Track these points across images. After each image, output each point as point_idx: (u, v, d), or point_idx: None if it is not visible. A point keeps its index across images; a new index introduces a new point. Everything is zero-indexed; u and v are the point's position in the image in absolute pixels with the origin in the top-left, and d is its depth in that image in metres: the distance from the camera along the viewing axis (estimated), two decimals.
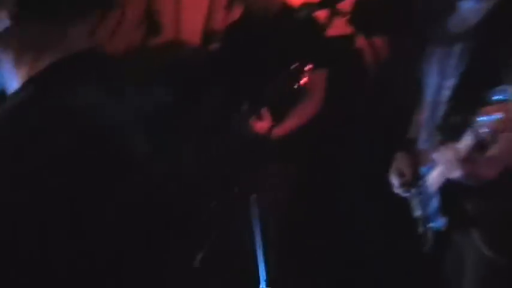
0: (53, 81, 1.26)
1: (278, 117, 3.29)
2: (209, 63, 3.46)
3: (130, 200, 1.25)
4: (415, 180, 2.57)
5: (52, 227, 1.16)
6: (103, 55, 1.35)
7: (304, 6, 3.41)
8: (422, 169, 2.53)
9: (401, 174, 2.60)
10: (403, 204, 2.64)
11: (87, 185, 1.19)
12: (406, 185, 2.59)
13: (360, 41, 3.94)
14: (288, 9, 3.43)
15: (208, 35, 3.98)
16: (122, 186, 1.25)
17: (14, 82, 1.29)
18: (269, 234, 3.10)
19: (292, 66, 3.13)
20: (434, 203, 2.48)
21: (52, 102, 1.22)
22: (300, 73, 3.10)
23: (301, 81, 3.10)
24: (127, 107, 1.32)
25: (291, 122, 3.40)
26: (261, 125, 3.22)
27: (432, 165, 2.45)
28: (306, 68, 3.09)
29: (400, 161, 2.61)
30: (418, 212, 2.60)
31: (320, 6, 3.35)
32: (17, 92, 1.27)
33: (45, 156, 1.17)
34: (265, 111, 3.23)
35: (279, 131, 3.31)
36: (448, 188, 2.39)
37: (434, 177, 2.45)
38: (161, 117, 1.38)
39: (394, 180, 2.63)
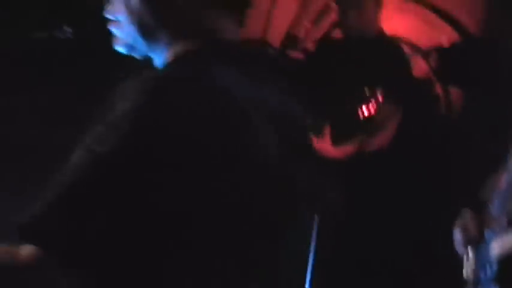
0: (200, 62, 1.36)
1: (338, 139, 3.29)
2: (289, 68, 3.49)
3: (247, 182, 1.32)
4: (479, 240, 2.50)
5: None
6: (245, 46, 1.46)
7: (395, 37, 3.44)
8: (488, 233, 2.47)
9: (466, 231, 2.54)
10: (456, 264, 2.58)
11: (218, 155, 1.28)
12: (471, 242, 2.52)
13: (437, 87, 3.94)
14: (382, 38, 3.43)
15: (291, 41, 4.02)
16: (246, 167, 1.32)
17: (162, 56, 1.41)
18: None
19: (364, 91, 3.14)
20: (491, 269, 2.41)
21: (200, 79, 1.31)
22: (369, 99, 3.10)
23: (370, 107, 3.10)
24: (260, 96, 1.39)
25: (352, 148, 3.38)
26: (321, 142, 3.23)
27: (498, 231, 2.39)
28: (378, 96, 3.09)
29: (467, 219, 2.55)
30: (468, 275, 2.53)
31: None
32: (171, 66, 1.38)
33: (193, 123, 1.26)
34: (327, 130, 3.23)
35: (337, 153, 3.30)
36: (509, 258, 2.33)
37: (498, 244, 2.38)
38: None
39: (458, 236, 2.56)
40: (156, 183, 1.24)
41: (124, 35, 1.46)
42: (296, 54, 3.73)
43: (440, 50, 3.78)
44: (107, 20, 1.47)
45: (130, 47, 1.47)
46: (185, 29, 1.41)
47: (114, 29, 1.47)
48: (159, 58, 1.45)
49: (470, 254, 2.52)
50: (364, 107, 3.15)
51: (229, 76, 1.36)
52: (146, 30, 1.43)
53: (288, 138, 1.42)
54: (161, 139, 1.25)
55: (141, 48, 1.46)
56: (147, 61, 1.49)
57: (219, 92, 1.33)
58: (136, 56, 1.49)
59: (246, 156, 1.33)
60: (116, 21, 1.46)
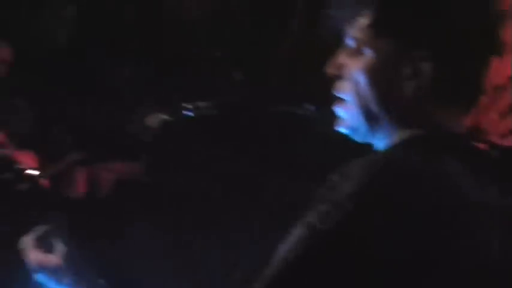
0: (425, 149, 1.38)
1: None
2: None
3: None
4: None
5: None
6: (467, 138, 1.47)
7: None
8: None
9: None
10: None
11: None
12: None
13: None
14: None
15: (477, 132, 4.05)
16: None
17: (383, 142, 1.47)
18: None
19: None
20: None
21: (426, 165, 1.34)
22: None
23: None
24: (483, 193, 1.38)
25: None
26: None
27: None
28: None
29: None
30: None
31: None
32: (395, 150, 1.42)
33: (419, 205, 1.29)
34: None
35: None
36: None
37: None
38: None
39: None
40: (370, 267, 1.26)
41: (348, 116, 1.51)
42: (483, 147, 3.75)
43: None
44: (333, 99, 1.53)
45: (352, 129, 1.52)
46: (410, 118, 1.44)
47: (339, 110, 1.52)
48: (380, 143, 1.49)
49: None
50: None
51: (455, 167, 1.36)
52: (370, 115, 1.47)
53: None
54: (384, 222, 1.27)
55: (363, 132, 1.50)
56: (368, 144, 1.54)
57: (445, 180, 1.33)
58: (357, 138, 1.53)
59: (466, 252, 1.33)
60: (342, 102, 1.51)
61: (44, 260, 1.62)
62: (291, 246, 1.28)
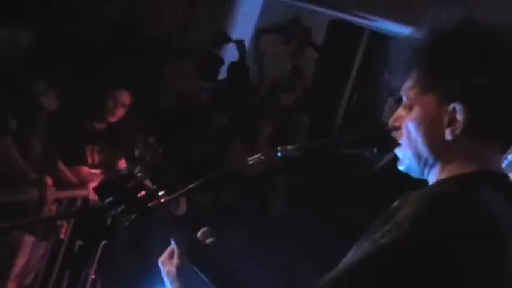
0: (471, 185, 1.37)
1: None
2: None
3: None
4: None
5: None
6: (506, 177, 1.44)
7: None
8: None
9: None
10: None
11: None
12: None
13: None
14: None
15: None
16: None
17: (434, 178, 1.45)
18: None
19: None
20: None
21: (467, 192, 1.34)
22: None
23: None
24: None
25: None
26: None
27: None
28: None
29: None
30: None
31: None
32: (444, 184, 1.41)
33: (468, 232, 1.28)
34: None
35: None
36: None
37: None
38: None
39: None
40: (420, 279, 1.24)
41: (404, 157, 1.50)
42: None
43: None
44: (395, 144, 1.51)
45: (408, 167, 1.50)
46: (454, 157, 1.42)
47: (398, 152, 1.51)
48: (431, 178, 1.46)
49: None
50: None
51: (498, 203, 1.33)
52: (420, 156, 1.46)
53: None
54: (432, 242, 1.25)
55: (416, 169, 1.48)
56: (422, 179, 1.50)
57: (485, 210, 1.30)
58: (413, 175, 1.50)
59: (500, 281, 1.29)
60: (400, 146, 1.50)
61: (165, 261, 1.53)
62: (358, 256, 1.28)
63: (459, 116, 1.40)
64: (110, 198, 1.51)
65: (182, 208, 4.63)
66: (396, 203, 1.34)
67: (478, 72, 1.40)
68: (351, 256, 1.30)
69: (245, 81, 6.50)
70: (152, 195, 1.55)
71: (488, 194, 1.33)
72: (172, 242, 1.51)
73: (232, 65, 6.56)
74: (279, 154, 1.68)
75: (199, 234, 1.55)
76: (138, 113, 4.59)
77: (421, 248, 1.25)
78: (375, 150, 1.58)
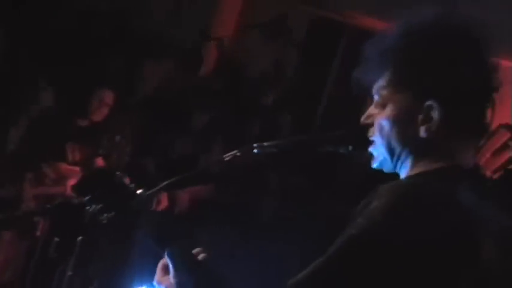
0: (442, 179, 1.40)
1: None
2: None
3: None
4: None
5: None
6: (479, 172, 1.52)
7: None
8: None
9: None
10: None
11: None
12: None
13: None
14: None
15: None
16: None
17: (405, 172, 1.48)
18: None
19: None
20: None
21: (443, 190, 1.37)
22: None
23: None
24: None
25: None
26: None
27: None
28: None
29: None
30: None
31: None
32: (416, 178, 1.44)
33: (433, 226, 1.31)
34: None
35: None
36: None
37: None
38: None
39: None
40: (392, 268, 1.27)
41: (377, 153, 1.53)
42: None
43: None
44: (369, 142, 1.54)
45: (381, 163, 1.54)
46: (427, 153, 1.45)
47: (371, 149, 1.55)
48: (403, 173, 1.49)
49: None
50: None
51: (468, 197, 1.35)
52: (393, 152, 1.49)
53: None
54: (403, 231, 1.28)
55: (389, 165, 1.52)
56: (394, 174, 1.54)
57: (455, 204, 1.33)
58: (386, 170, 1.54)
59: (470, 268, 1.31)
60: (373, 142, 1.54)
61: (161, 279, 1.57)
62: (334, 248, 1.31)
63: (434, 114, 1.42)
64: (89, 196, 1.51)
65: (163, 203, 4.61)
66: (368, 196, 1.37)
67: (451, 71, 1.42)
68: (330, 249, 1.33)
69: (225, 77, 6.50)
70: (131, 193, 1.55)
71: (457, 188, 1.36)
72: (166, 257, 1.53)
73: (213, 62, 6.55)
74: (255, 151, 1.69)
75: (194, 251, 1.58)
76: (117, 110, 4.58)
77: (391, 238, 1.27)
78: (350, 147, 1.59)
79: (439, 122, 1.42)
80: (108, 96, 4.52)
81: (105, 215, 1.57)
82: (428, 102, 1.42)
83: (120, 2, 6.40)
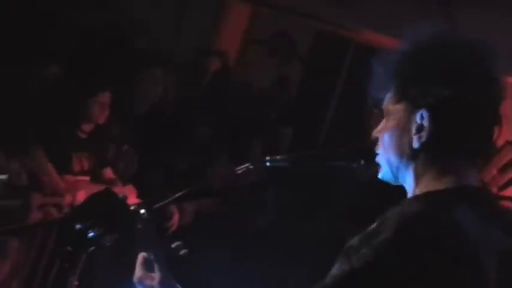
0: (446, 202, 1.39)
1: None
2: None
3: None
4: None
5: None
6: (486, 193, 1.51)
7: None
8: None
9: None
10: None
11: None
12: None
13: None
14: None
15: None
16: None
17: (410, 187, 1.48)
18: None
19: None
20: None
21: (440, 214, 1.36)
22: None
23: None
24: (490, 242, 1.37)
25: None
26: None
27: None
28: None
29: None
30: None
31: None
32: (414, 201, 1.44)
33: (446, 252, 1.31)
34: None
35: None
36: None
37: None
38: None
39: None
40: None
41: (382, 165, 1.53)
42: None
43: None
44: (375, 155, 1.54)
45: (383, 174, 1.54)
46: (428, 169, 1.44)
47: (378, 160, 1.54)
48: (409, 187, 1.49)
49: None
50: None
51: (473, 222, 1.35)
52: (393, 165, 1.50)
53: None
54: (407, 265, 1.28)
55: (390, 176, 1.52)
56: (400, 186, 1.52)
57: (458, 230, 1.33)
58: (391, 182, 1.53)
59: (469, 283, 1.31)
60: (377, 155, 1.54)
61: (143, 277, 1.60)
62: (334, 279, 1.31)
63: (425, 123, 1.43)
64: (91, 220, 1.52)
65: (175, 217, 4.60)
66: (375, 224, 1.36)
67: (443, 82, 1.42)
68: (328, 275, 1.32)
69: (226, 91, 6.54)
70: (133, 214, 1.57)
71: (462, 214, 1.35)
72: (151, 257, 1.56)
73: (214, 75, 6.59)
74: (267, 164, 1.71)
75: (173, 245, 1.61)
76: (114, 120, 4.57)
77: (394, 275, 1.27)
78: (362, 162, 1.61)
79: (429, 132, 1.42)
80: (105, 96, 4.37)
81: (109, 237, 1.59)
82: (421, 112, 1.44)
83: (120, 16, 6.47)
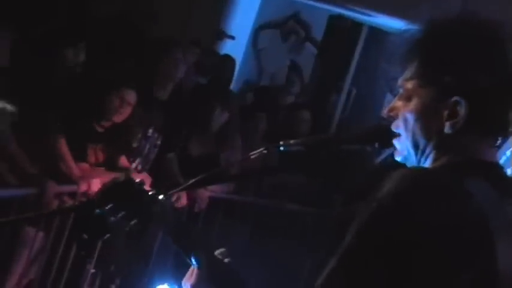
0: (456, 171, 1.39)
1: None
2: None
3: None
4: None
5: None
6: (502, 169, 1.47)
7: None
8: None
9: None
10: None
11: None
12: None
13: None
14: None
15: None
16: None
17: (427, 163, 1.48)
18: None
19: None
20: None
21: (447, 181, 1.36)
22: None
23: None
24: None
25: None
26: None
27: None
28: None
29: None
30: None
31: None
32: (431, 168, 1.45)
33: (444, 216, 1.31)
34: None
35: None
36: None
37: None
38: None
39: None
40: (398, 255, 1.27)
41: (401, 147, 1.52)
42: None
43: None
44: (393, 135, 1.53)
45: (404, 156, 1.52)
46: (450, 148, 1.45)
47: (395, 142, 1.53)
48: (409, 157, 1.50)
49: None
50: None
51: (484, 192, 1.35)
52: (417, 146, 1.48)
53: None
54: (411, 216, 1.28)
55: (413, 159, 1.50)
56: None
57: (466, 197, 1.32)
58: (409, 164, 1.52)
59: (478, 263, 1.30)
60: (398, 135, 1.52)
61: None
62: (348, 237, 1.32)
63: (460, 110, 1.42)
64: (110, 205, 1.54)
65: (183, 201, 4.66)
66: (384, 181, 1.36)
67: (477, 68, 1.42)
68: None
69: (232, 74, 6.57)
70: (151, 200, 1.58)
71: (474, 183, 1.35)
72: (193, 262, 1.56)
73: (223, 59, 6.60)
74: (281, 148, 1.71)
75: (217, 253, 1.60)
76: (139, 107, 4.58)
77: (400, 225, 1.28)
78: (376, 145, 1.61)
79: (465, 119, 1.42)
80: (130, 96, 4.39)
81: (127, 223, 1.60)
82: (455, 98, 1.43)
83: (133, 5, 6.50)
